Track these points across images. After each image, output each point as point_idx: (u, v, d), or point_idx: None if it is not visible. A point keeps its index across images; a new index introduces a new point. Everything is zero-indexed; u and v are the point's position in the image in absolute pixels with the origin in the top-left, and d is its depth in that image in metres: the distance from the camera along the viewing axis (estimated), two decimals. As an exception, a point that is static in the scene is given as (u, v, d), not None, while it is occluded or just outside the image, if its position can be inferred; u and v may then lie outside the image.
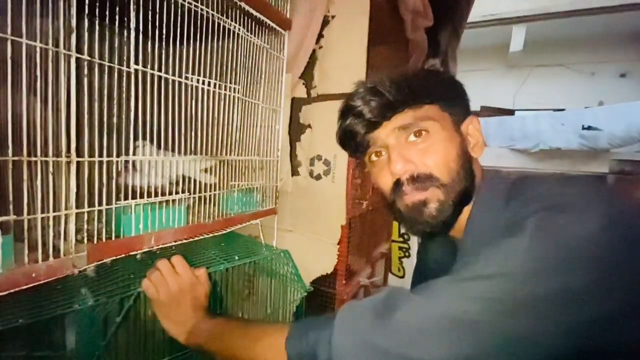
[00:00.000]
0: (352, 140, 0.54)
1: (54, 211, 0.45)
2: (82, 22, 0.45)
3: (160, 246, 0.62)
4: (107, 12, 0.51)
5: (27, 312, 0.46)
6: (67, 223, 0.47)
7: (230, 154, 0.77)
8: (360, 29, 1.00)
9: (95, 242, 0.51)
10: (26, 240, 0.42)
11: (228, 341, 0.56)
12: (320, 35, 1.04)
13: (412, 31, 1.34)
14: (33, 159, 0.42)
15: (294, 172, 1.10)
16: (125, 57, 0.53)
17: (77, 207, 0.48)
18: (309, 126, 1.08)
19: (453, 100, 0.52)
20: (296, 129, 1.09)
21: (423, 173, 0.48)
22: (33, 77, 0.41)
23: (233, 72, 0.76)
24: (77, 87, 0.45)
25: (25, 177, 0.41)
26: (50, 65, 0.43)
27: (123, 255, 0.56)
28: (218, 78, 0.71)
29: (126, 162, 0.57)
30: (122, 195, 0.55)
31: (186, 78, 0.64)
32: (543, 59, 5.34)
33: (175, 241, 0.65)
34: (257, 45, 0.81)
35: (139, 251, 0.59)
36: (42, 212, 0.44)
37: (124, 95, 0.53)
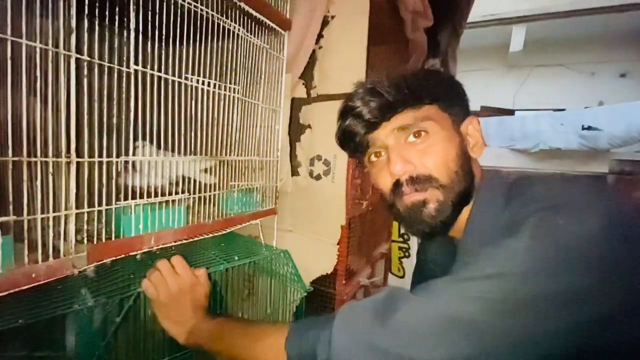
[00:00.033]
0: (351, 141, 0.54)
1: (53, 211, 0.45)
2: (82, 23, 0.45)
3: (160, 246, 0.62)
4: (107, 13, 0.51)
5: (27, 313, 0.46)
6: (67, 223, 0.47)
7: (230, 154, 0.77)
8: (360, 29, 1.00)
9: (95, 242, 0.51)
10: (26, 241, 0.42)
11: (228, 341, 0.56)
12: (320, 36, 1.04)
13: (412, 31, 1.34)
14: (33, 159, 0.42)
15: (294, 172, 1.10)
16: (125, 58, 0.53)
17: (77, 208, 0.48)
18: (309, 126, 1.08)
19: (452, 100, 0.52)
20: (296, 129, 1.09)
21: (422, 174, 0.48)
22: (33, 78, 0.41)
23: (233, 72, 0.76)
24: (77, 88, 0.45)
25: (25, 177, 0.41)
26: (50, 66, 0.43)
27: (123, 255, 0.56)
28: (218, 78, 0.71)
29: (126, 162, 0.57)
30: (122, 196, 0.56)
31: (186, 78, 0.64)
32: (543, 59, 5.34)
33: (175, 241, 0.65)
34: (257, 45, 0.81)
35: (138, 251, 0.59)
36: (42, 212, 0.44)
37: (123, 95, 0.53)
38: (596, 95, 4.92)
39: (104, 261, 0.53)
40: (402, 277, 1.65)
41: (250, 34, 0.78)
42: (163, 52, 0.60)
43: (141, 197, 0.59)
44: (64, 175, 0.45)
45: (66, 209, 0.47)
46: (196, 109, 0.67)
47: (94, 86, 0.48)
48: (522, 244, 0.37)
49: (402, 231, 1.65)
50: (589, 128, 3.40)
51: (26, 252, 0.42)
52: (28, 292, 0.43)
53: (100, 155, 0.51)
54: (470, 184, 0.50)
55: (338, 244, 1.04)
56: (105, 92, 0.52)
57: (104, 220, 0.53)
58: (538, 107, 5.24)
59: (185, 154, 0.66)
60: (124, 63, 0.53)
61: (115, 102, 0.54)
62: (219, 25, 0.69)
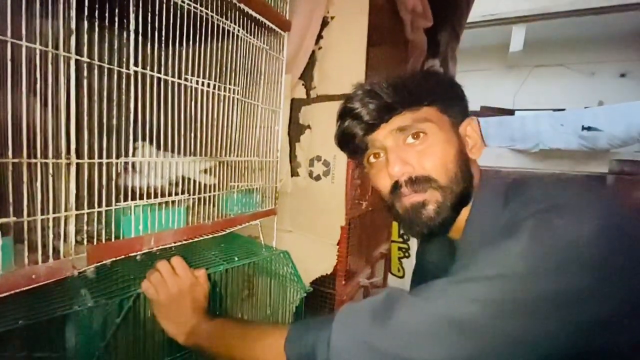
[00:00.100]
0: (350, 142, 0.54)
1: (53, 213, 0.45)
2: (82, 24, 0.45)
3: (160, 247, 0.62)
4: (107, 14, 0.51)
5: (27, 313, 0.46)
6: (67, 224, 0.47)
7: (229, 155, 0.77)
8: (359, 30, 1.01)
9: (95, 243, 0.51)
10: (26, 242, 0.42)
11: (227, 342, 0.56)
12: (319, 36, 1.04)
13: (412, 32, 1.35)
14: (33, 160, 0.42)
15: (294, 172, 1.10)
16: (124, 59, 0.53)
17: (76, 209, 0.48)
18: (309, 127, 1.08)
19: (451, 101, 0.52)
20: (296, 130, 1.09)
21: (421, 175, 0.48)
22: (33, 79, 0.41)
23: (232, 73, 0.76)
24: (76, 89, 0.46)
25: (25, 178, 0.41)
26: (50, 67, 0.43)
27: (123, 256, 0.56)
28: (217, 79, 0.71)
29: (126, 163, 0.57)
30: (121, 197, 0.56)
31: (185, 79, 0.64)
32: (543, 59, 5.35)
33: (175, 242, 0.65)
34: (256, 46, 0.82)
35: (138, 252, 0.59)
36: (42, 213, 0.44)
37: (123, 96, 0.53)
38: (596, 95, 4.93)
39: (104, 262, 0.53)
40: (402, 277, 1.66)
41: (250, 34, 0.79)
42: (163, 53, 0.60)
43: (141, 198, 0.59)
44: (64, 177, 0.45)
45: (66, 210, 0.47)
46: (196, 109, 0.67)
47: (94, 87, 0.48)
48: (521, 245, 0.37)
49: (402, 231, 1.65)
50: (589, 128, 3.40)
51: (26, 253, 0.42)
52: (28, 293, 0.43)
53: (100, 157, 0.51)
54: (469, 185, 0.50)
55: (338, 245, 1.04)
56: (105, 94, 0.52)
57: (103, 221, 0.54)
58: (538, 107, 5.24)
59: (185, 154, 0.66)
60: (124, 64, 0.53)
61: (115, 103, 0.54)
62: (218, 26, 0.69)
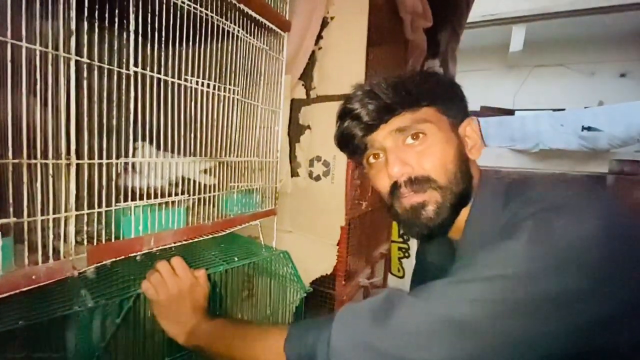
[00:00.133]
0: (349, 143, 0.54)
1: (54, 213, 0.45)
2: (82, 25, 0.45)
3: (160, 247, 0.62)
4: (107, 15, 0.51)
5: (27, 314, 0.46)
6: (67, 225, 0.47)
7: (229, 155, 0.78)
8: (359, 30, 1.01)
9: (95, 243, 0.51)
10: (26, 242, 0.42)
11: (227, 342, 0.56)
12: (319, 37, 1.04)
13: (412, 32, 1.35)
14: (33, 161, 0.42)
15: (294, 173, 1.10)
16: (124, 60, 0.53)
17: (77, 209, 0.48)
18: (308, 127, 1.08)
19: (450, 102, 0.52)
20: (295, 130, 1.09)
21: (420, 175, 0.48)
22: (33, 80, 0.41)
23: (232, 73, 0.76)
24: (76, 90, 0.46)
25: (25, 179, 0.41)
26: (50, 68, 0.43)
27: (123, 256, 0.56)
28: (217, 80, 0.71)
29: (126, 163, 0.57)
30: (121, 197, 0.56)
31: (185, 80, 0.64)
32: (543, 59, 5.35)
33: (174, 242, 0.65)
34: (256, 46, 0.82)
35: (138, 253, 0.59)
36: (42, 214, 0.44)
37: (123, 97, 0.53)
38: (596, 95, 4.93)
39: (104, 262, 0.53)
40: (402, 277, 1.66)
41: (250, 35, 0.79)
42: (162, 53, 0.60)
43: (141, 198, 0.59)
44: (64, 177, 0.46)
45: (66, 210, 0.47)
46: (196, 110, 0.67)
47: (94, 88, 0.49)
48: (521, 246, 0.37)
49: (402, 232, 1.65)
50: (589, 129, 3.40)
51: (26, 253, 0.42)
52: (28, 293, 0.43)
53: (100, 157, 0.51)
54: (468, 186, 0.50)
55: (337, 245, 1.04)
56: (105, 94, 0.52)
57: (103, 222, 0.54)
58: (538, 107, 5.24)
59: (184, 155, 0.66)
60: (124, 65, 0.53)
61: (115, 103, 0.54)
62: (218, 26, 0.69)
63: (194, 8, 0.63)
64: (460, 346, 0.36)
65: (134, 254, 0.58)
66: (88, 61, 0.47)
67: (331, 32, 1.05)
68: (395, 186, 0.50)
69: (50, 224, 0.45)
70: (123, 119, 0.54)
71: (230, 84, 0.74)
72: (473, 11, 1.82)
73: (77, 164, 0.47)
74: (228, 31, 0.72)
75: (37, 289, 0.44)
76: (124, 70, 0.53)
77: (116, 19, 0.51)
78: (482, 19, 4.77)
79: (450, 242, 0.55)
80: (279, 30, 0.87)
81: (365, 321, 0.42)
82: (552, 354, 0.35)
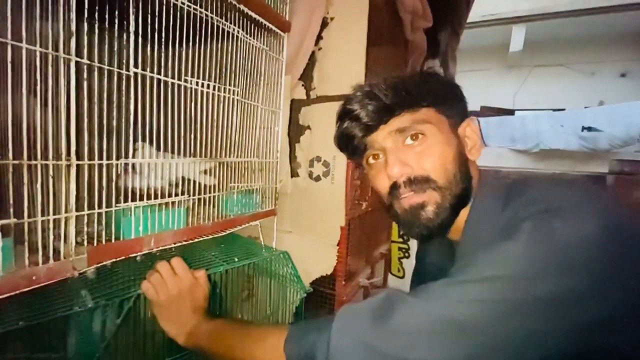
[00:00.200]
0: (349, 144, 0.54)
1: (54, 214, 0.45)
2: (82, 26, 0.45)
3: (160, 248, 0.62)
4: (107, 16, 0.51)
5: (28, 315, 0.46)
6: (67, 226, 0.47)
7: (229, 156, 0.78)
8: (359, 31, 1.01)
9: (95, 244, 0.51)
10: (26, 243, 0.42)
11: (227, 343, 0.56)
12: (319, 37, 1.04)
13: (412, 32, 1.35)
14: (33, 162, 0.42)
15: (294, 173, 1.10)
16: (124, 61, 0.53)
17: (77, 210, 0.48)
18: (308, 127, 1.08)
19: (450, 102, 0.52)
20: (295, 131, 1.09)
21: (420, 175, 0.49)
22: (33, 81, 0.42)
23: (232, 74, 0.76)
24: (76, 91, 0.46)
25: (25, 180, 0.41)
26: (50, 69, 0.43)
27: (123, 257, 0.56)
28: (217, 80, 0.71)
29: (126, 164, 0.57)
30: (122, 198, 0.56)
31: (185, 81, 0.64)
32: (543, 59, 5.35)
33: (175, 243, 0.65)
34: (256, 47, 0.82)
35: (138, 253, 0.59)
36: (43, 215, 0.44)
37: (123, 98, 0.53)
38: (596, 95, 4.93)
39: (104, 263, 0.53)
40: (402, 277, 1.65)
41: (250, 36, 0.79)
42: (162, 54, 0.60)
43: (141, 199, 0.59)
44: (64, 178, 0.46)
45: (66, 211, 0.47)
46: (196, 111, 0.67)
47: (94, 89, 0.49)
48: (520, 247, 0.37)
49: (402, 232, 1.65)
50: (589, 129, 3.40)
51: (27, 254, 0.42)
52: (28, 294, 0.43)
53: (100, 158, 0.51)
54: (468, 186, 0.50)
55: (337, 245, 1.04)
56: (105, 95, 0.52)
57: (104, 222, 0.54)
58: (538, 107, 5.24)
59: (185, 155, 0.66)
60: (124, 66, 0.53)
61: (115, 104, 0.54)
62: (218, 27, 0.69)
63: (194, 9, 0.63)
64: (460, 346, 0.36)
65: (134, 255, 0.58)
66: (88, 62, 0.47)
67: (331, 32, 1.05)
68: (394, 187, 0.50)
69: (51, 225, 0.45)
70: (123, 120, 0.54)
71: (230, 85, 0.74)
72: (473, 11, 1.81)
73: (78, 165, 0.47)
74: (228, 32, 0.72)
75: (38, 290, 0.44)
76: (124, 71, 0.53)
77: (116, 20, 0.51)
78: (482, 19, 4.77)
79: (450, 242, 0.55)
80: (278, 31, 0.87)
81: (365, 321, 0.42)
82: (552, 354, 0.35)
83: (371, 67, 1.05)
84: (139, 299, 0.64)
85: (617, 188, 3.38)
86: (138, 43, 0.54)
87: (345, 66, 1.03)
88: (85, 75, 0.47)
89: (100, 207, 0.52)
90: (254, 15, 0.77)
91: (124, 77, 0.53)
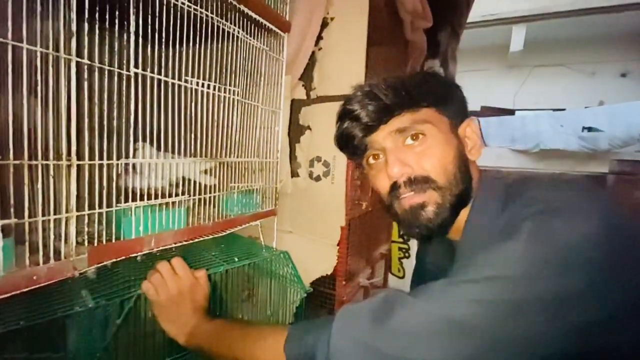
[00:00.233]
0: (349, 144, 0.54)
1: (54, 214, 0.45)
2: (82, 26, 0.45)
3: (161, 248, 0.62)
4: (107, 16, 0.51)
5: (28, 314, 0.46)
6: (67, 225, 0.47)
7: (230, 156, 0.78)
8: (359, 31, 1.01)
9: (95, 244, 0.51)
10: (27, 243, 0.42)
11: (227, 343, 0.56)
12: (319, 37, 1.04)
13: (412, 32, 1.35)
14: (34, 162, 0.42)
15: (294, 173, 1.10)
16: (125, 61, 0.53)
17: (77, 210, 0.48)
18: (309, 127, 1.08)
19: (450, 103, 0.52)
20: (296, 131, 1.09)
21: (420, 175, 0.49)
22: (34, 81, 0.42)
23: (232, 74, 0.76)
24: (77, 91, 0.46)
25: (26, 180, 0.41)
26: (50, 70, 0.43)
27: (123, 257, 0.56)
28: (217, 80, 0.71)
29: (126, 164, 0.57)
30: (122, 198, 0.56)
31: (186, 81, 0.64)
32: (543, 59, 5.34)
33: (175, 243, 0.66)
34: (256, 47, 0.82)
35: (139, 253, 0.59)
36: (43, 215, 0.44)
37: (123, 98, 0.54)
38: (596, 95, 4.92)
39: (105, 263, 0.53)
40: (402, 277, 1.65)
41: (250, 36, 0.79)
42: (163, 55, 0.60)
43: (141, 199, 0.59)
44: (65, 178, 0.46)
45: (67, 211, 0.47)
46: (196, 111, 0.67)
47: (95, 89, 0.49)
48: (520, 247, 0.38)
49: (402, 232, 1.65)
50: (590, 129, 3.40)
51: (27, 254, 0.42)
52: (29, 294, 0.43)
53: (101, 158, 0.51)
54: (468, 186, 0.50)
55: (338, 245, 1.04)
56: (105, 95, 0.52)
57: (104, 222, 0.54)
58: (538, 107, 5.24)
59: (185, 155, 0.66)
60: (124, 66, 0.53)
61: (115, 104, 0.54)
62: (218, 27, 0.69)
63: (194, 9, 0.63)
64: (460, 346, 0.36)
65: (135, 255, 0.58)
66: (89, 62, 0.47)
67: (331, 32, 1.05)
68: (394, 187, 0.50)
69: (51, 225, 0.45)
70: (123, 120, 0.54)
71: (230, 85, 0.74)
72: (473, 11, 1.81)
73: (78, 165, 0.47)
74: (228, 32, 0.72)
75: (38, 290, 0.44)
76: (124, 72, 0.53)
77: (116, 21, 0.51)
78: (482, 19, 4.77)
79: (450, 242, 0.55)
80: (279, 31, 0.87)
81: (365, 321, 0.42)
82: (552, 354, 0.35)
83: (371, 67, 1.05)
84: (140, 299, 0.64)
85: (617, 188, 3.38)
86: (138, 43, 0.54)
87: (346, 66, 1.03)
88: (85, 76, 0.47)
89: (100, 207, 0.52)
90: (254, 15, 0.77)
91: (124, 77, 0.53)
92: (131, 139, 0.56)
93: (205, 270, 0.67)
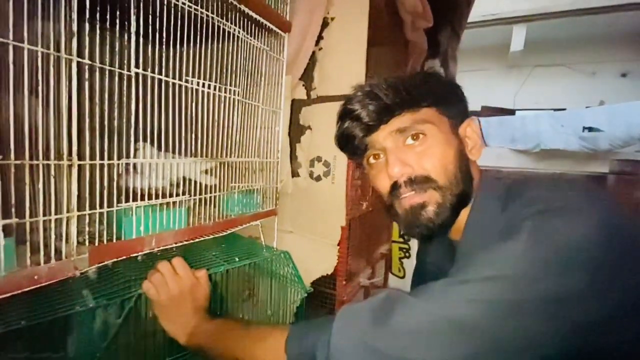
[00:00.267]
0: (350, 144, 0.54)
1: (55, 214, 0.45)
2: (83, 26, 0.46)
3: (161, 248, 0.62)
4: (108, 16, 0.51)
5: (29, 314, 0.47)
6: (68, 225, 0.47)
7: (230, 156, 0.78)
8: (359, 31, 1.01)
9: (96, 244, 0.51)
10: (28, 243, 0.42)
11: (228, 343, 0.56)
12: (319, 37, 1.04)
13: (412, 32, 1.35)
14: (35, 162, 0.42)
15: (294, 173, 1.10)
16: (125, 61, 0.53)
17: (78, 210, 0.48)
18: (309, 127, 1.08)
19: (451, 103, 0.52)
20: (296, 131, 1.09)
21: (421, 175, 0.49)
22: (35, 82, 0.42)
23: (233, 74, 0.76)
24: (78, 91, 0.46)
25: (27, 180, 0.42)
26: (51, 70, 0.43)
27: (124, 257, 0.56)
28: (218, 80, 0.71)
29: (127, 164, 0.57)
30: (123, 198, 0.56)
31: (186, 81, 0.64)
32: (543, 59, 5.34)
33: (175, 243, 0.66)
34: (256, 47, 0.82)
35: (140, 253, 0.59)
36: (44, 214, 0.44)
37: (124, 98, 0.54)
38: (597, 95, 4.92)
39: (105, 263, 0.53)
40: (403, 277, 1.66)
41: (250, 36, 0.79)
42: (163, 55, 0.60)
43: (142, 199, 0.59)
44: (66, 178, 0.46)
45: (68, 211, 0.47)
46: (196, 111, 0.67)
47: (95, 89, 0.49)
48: (520, 247, 0.38)
49: (402, 232, 1.65)
50: (590, 129, 3.40)
51: (28, 254, 0.42)
52: (30, 293, 0.43)
53: (102, 158, 0.51)
54: (468, 186, 0.51)
55: (338, 245, 1.04)
56: (106, 95, 0.53)
57: (105, 222, 0.54)
58: (539, 107, 5.23)
59: (185, 155, 0.66)
60: (125, 66, 0.53)
61: (116, 104, 0.54)
62: (219, 27, 0.69)
63: (195, 9, 0.63)
64: (460, 346, 0.36)
65: (135, 255, 0.58)
66: (89, 62, 0.47)
67: (331, 32, 1.05)
68: (395, 186, 0.50)
69: (52, 225, 0.45)
70: (124, 120, 0.54)
71: (230, 85, 0.75)
72: (473, 11, 1.81)
73: (79, 165, 0.47)
74: (228, 32, 0.73)
75: (39, 289, 0.44)
76: (125, 72, 0.53)
77: (117, 21, 0.51)
78: (482, 19, 4.76)
79: (451, 242, 0.56)
80: (279, 31, 0.87)
81: (366, 321, 0.42)
82: (552, 354, 0.35)
83: (371, 67, 1.05)
84: (140, 299, 0.64)
85: (618, 188, 3.38)
86: (139, 43, 0.54)
87: (346, 66, 1.03)
88: (86, 76, 0.47)
89: (101, 206, 0.52)
90: (254, 15, 0.77)
91: (125, 77, 0.53)
92: (132, 139, 0.56)
93: (206, 270, 0.67)
